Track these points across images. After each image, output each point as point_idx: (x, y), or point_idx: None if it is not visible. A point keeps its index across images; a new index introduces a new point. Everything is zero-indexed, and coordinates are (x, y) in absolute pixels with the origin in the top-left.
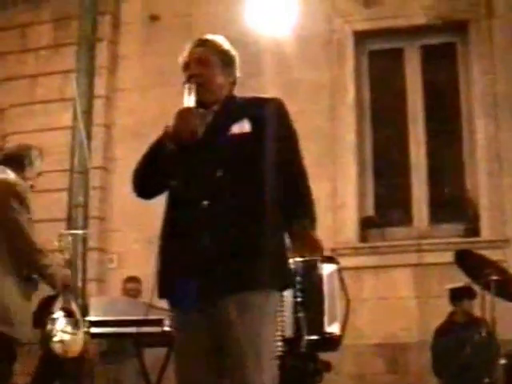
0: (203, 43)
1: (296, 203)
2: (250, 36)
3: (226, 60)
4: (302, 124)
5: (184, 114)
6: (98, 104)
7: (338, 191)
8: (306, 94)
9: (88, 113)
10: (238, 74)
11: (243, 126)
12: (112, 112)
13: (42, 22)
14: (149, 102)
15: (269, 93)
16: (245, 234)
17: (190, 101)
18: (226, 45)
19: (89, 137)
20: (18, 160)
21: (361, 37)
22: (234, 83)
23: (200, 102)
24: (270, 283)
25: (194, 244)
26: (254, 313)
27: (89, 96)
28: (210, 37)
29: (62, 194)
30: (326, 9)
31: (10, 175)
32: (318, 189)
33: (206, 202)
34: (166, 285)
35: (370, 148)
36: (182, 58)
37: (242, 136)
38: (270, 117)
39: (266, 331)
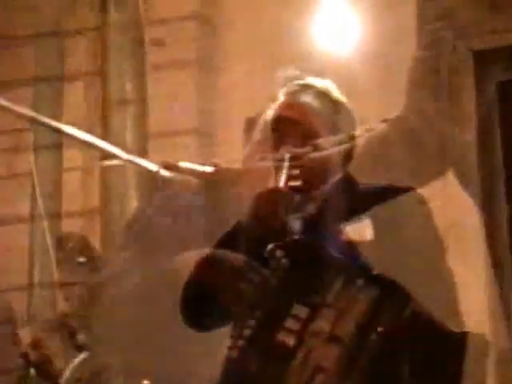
0: (304, 90)
1: None
2: None
3: (340, 120)
4: None
5: (266, 196)
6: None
7: None
8: None
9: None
10: (355, 135)
11: (362, 231)
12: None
13: None
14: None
15: None
16: None
17: (280, 180)
18: (335, 94)
19: None
20: None
21: None
22: (349, 157)
23: (298, 186)
24: None
25: None
26: None
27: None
28: (313, 82)
29: None
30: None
31: None
32: None
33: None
34: None
35: None
36: (272, 106)
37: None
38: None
39: None
